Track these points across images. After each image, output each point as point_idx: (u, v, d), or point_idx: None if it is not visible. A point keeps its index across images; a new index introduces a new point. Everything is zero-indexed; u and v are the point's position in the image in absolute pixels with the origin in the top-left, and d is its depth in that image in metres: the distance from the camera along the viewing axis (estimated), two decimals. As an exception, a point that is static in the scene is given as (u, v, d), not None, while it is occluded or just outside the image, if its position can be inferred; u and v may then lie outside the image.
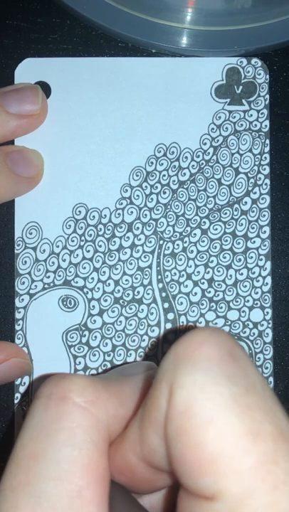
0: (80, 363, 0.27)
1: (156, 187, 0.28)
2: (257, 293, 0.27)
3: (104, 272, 0.27)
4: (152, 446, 0.14)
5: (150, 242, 0.27)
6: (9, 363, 0.26)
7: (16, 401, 0.27)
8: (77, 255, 0.27)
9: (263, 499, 0.12)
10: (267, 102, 0.28)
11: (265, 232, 0.28)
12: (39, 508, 0.14)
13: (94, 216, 0.27)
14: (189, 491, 0.13)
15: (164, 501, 0.18)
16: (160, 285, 0.27)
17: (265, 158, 0.28)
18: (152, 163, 0.28)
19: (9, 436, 0.27)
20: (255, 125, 0.28)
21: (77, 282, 0.27)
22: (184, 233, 0.27)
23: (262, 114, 0.28)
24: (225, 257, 0.27)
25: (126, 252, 0.27)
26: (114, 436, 0.16)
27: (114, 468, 0.15)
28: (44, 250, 0.27)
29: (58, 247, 0.27)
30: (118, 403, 0.16)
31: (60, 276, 0.27)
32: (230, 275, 0.27)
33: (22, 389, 0.27)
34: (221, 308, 0.27)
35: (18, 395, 0.27)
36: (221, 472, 0.12)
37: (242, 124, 0.28)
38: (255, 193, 0.28)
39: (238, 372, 0.13)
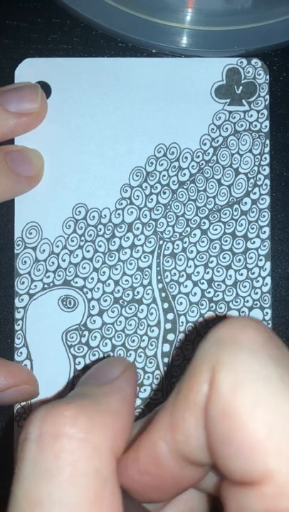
0: (79, 363, 0.27)
1: (156, 187, 0.28)
2: (257, 293, 0.27)
3: (104, 272, 0.27)
4: (188, 431, 0.14)
5: (150, 242, 0.27)
6: (19, 388, 0.25)
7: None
8: (77, 255, 0.27)
9: None
10: (267, 102, 0.28)
11: (264, 232, 0.28)
12: None
13: (94, 216, 0.27)
14: (234, 481, 0.13)
15: None
16: (160, 285, 0.27)
17: (265, 158, 0.28)
18: (152, 163, 0.28)
19: (9, 436, 0.27)
20: (255, 125, 0.28)
21: (77, 282, 0.27)
22: (183, 233, 0.27)
23: (262, 114, 0.28)
24: (224, 258, 0.27)
25: (126, 252, 0.27)
26: (120, 450, 0.15)
27: (138, 468, 0.15)
28: (44, 250, 0.27)
29: (57, 247, 0.27)
30: (113, 419, 0.15)
31: (59, 276, 0.27)
32: (230, 275, 0.27)
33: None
34: (221, 308, 0.27)
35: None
36: (269, 452, 0.12)
37: (242, 125, 0.28)
38: (255, 193, 0.28)
39: (281, 356, 0.14)
